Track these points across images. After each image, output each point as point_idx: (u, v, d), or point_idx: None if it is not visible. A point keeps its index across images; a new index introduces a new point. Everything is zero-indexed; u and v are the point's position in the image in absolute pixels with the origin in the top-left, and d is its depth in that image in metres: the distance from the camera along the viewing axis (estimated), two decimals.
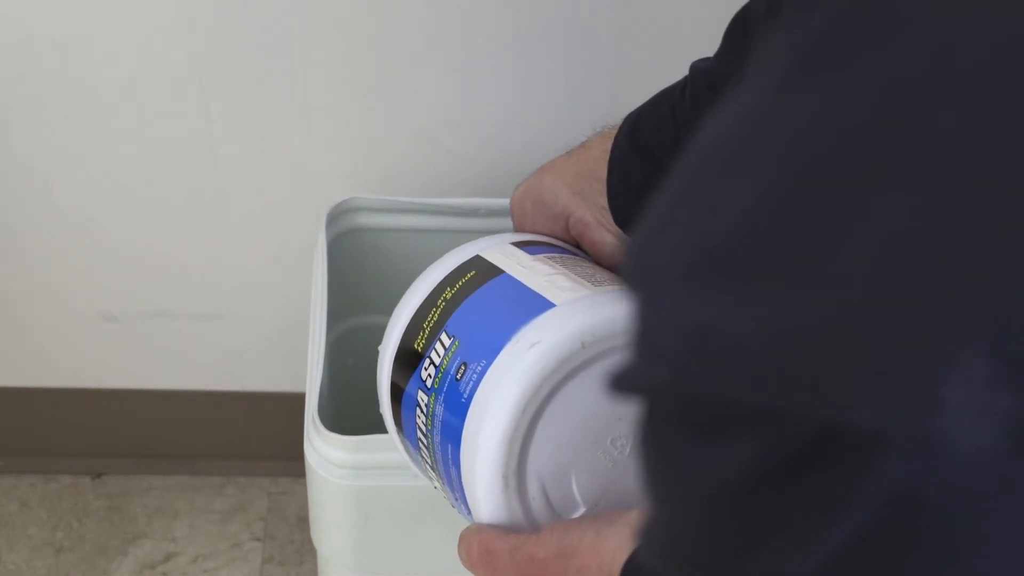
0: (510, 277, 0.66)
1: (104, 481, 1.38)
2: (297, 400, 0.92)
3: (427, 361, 0.64)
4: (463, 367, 0.61)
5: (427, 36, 1.09)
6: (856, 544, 0.30)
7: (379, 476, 0.84)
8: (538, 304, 0.61)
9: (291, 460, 1.08)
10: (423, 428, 0.64)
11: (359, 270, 1.05)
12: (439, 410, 0.62)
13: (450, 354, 0.63)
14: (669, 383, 0.32)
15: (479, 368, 0.60)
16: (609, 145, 0.69)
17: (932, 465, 0.28)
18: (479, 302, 0.65)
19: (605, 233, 0.69)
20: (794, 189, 0.31)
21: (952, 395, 0.28)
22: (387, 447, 0.84)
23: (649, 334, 0.33)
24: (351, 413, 1.10)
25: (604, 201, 0.69)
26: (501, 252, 0.69)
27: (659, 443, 0.35)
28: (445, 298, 0.66)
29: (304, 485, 0.90)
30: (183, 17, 1.07)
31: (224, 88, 1.11)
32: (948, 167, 0.28)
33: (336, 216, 1.03)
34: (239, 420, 1.36)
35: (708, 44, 0.71)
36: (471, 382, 0.60)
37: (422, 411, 0.64)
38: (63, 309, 1.27)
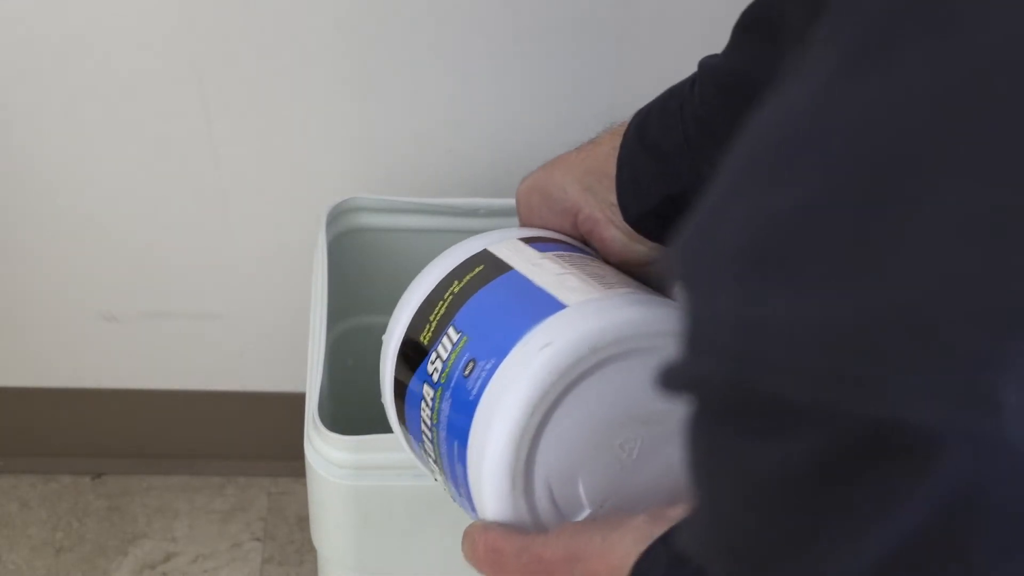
0: (519, 275, 0.65)
1: (104, 481, 1.38)
2: (297, 400, 0.92)
3: (433, 355, 0.64)
4: (471, 364, 0.61)
5: (427, 36, 1.09)
6: (909, 543, 0.30)
7: (379, 476, 0.84)
8: (548, 305, 0.61)
9: (291, 460, 1.08)
10: (428, 422, 0.64)
11: (359, 270, 1.05)
12: (445, 406, 0.62)
13: (458, 349, 0.63)
14: (722, 378, 0.32)
15: (488, 366, 0.60)
16: (619, 142, 0.69)
17: (989, 466, 0.28)
18: (488, 298, 0.65)
19: (614, 230, 0.69)
20: (852, 181, 0.30)
21: (1009, 395, 0.27)
22: (387, 447, 0.84)
23: (701, 329, 0.33)
24: (351, 413, 1.10)
25: (613, 198, 0.69)
26: (509, 248, 0.68)
27: (709, 438, 0.34)
28: (452, 291, 0.66)
29: (304, 485, 0.90)
30: (183, 17, 1.07)
31: (224, 88, 1.11)
32: (1013, 160, 0.28)
33: (336, 216, 1.03)
34: (239, 420, 1.36)
35: (708, 43, 0.71)
36: (479, 380, 0.60)
37: (427, 404, 0.64)
38: (63, 309, 1.27)
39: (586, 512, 0.59)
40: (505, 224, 0.83)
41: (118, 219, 1.20)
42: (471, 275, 0.67)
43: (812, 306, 0.30)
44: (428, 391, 0.64)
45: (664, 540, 0.51)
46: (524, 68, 1.12)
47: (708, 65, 0.69)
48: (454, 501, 0.66)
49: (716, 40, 0.71)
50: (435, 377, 0.63)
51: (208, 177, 1.17)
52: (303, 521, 1.32)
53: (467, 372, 0.61)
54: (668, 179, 0.66)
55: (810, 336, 0.30)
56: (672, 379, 0.34)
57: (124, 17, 1.07)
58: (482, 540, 0.58)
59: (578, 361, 0.57)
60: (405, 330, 0.67)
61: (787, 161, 0.32)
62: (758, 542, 0.34)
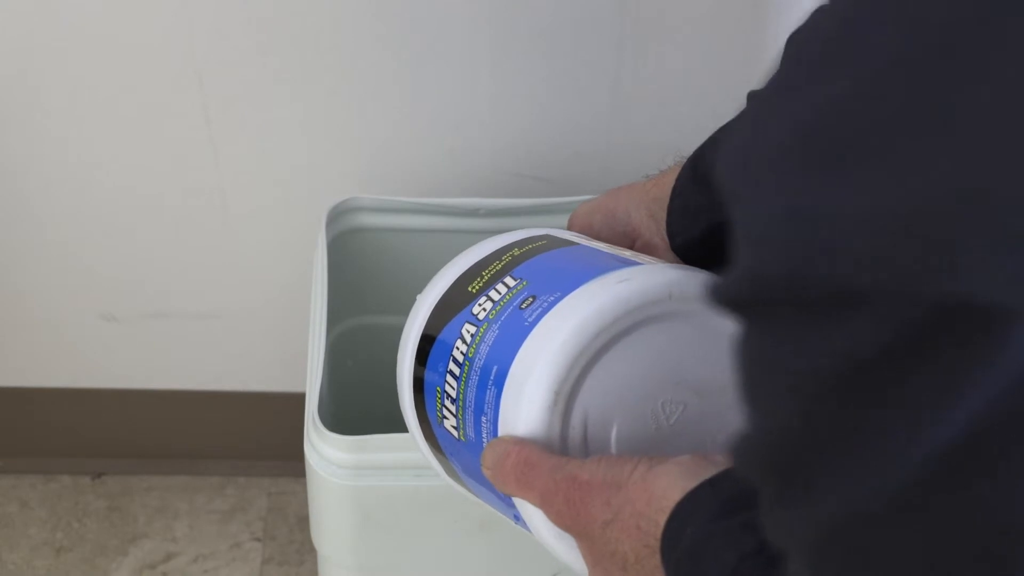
0: (587, 247, 0.66)
1: (104, 481, 1.38)
2: (297, 400, 0.92)
3: (483, 298, 0.63)
4: (531, 299, 0.61)
5: (427, 36, 1.09)
6: (975, 428, 0.29)
7: (379, 476, 0.84)
8: (623, 262, 0.61)
9: (291, 460, 1.08)
10: (460, 358, 0.63)
11: (359, 270, 1.05)
12: (490, 335, 0.61)
13: (514, 291, 0.62)
14: (777, 269, 0.31)
15: (551, 299, 0.60)
16: None
17: None
18: (555, 257, 0.65)
19: (673, 256, 0.70)
20: (905, 63, 0.30)
21: None
22: (387, 447, 0.84)
23: (754, 225, 0.32)
24: (351, 413, 1.10)
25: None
26: (573, 235, 0.69)
27: (766, 339, 0.33)
28: (512, 254, 0.66)
29: (304, 485, 0.90)
30: (183, 17, 1.07)
31: (224, 88, 1.11)
32: None
33: (336, 216, 1.03)
34: (239, 420, 1.36)
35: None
36: (539, 309, 0.60)
37: (464, 341, 0.63)
38: (63, 309, 1.27)
39: None
40: (505, 225, 0.83)
41: (118, 219, 1.20)
42: (533, 245, 0.67)
43: (872, 190, 0.29)
44: (470, 329, 0.63)
45: (712, 483, 0.50)
46: (524, 68, 1.12)
47: (755, 96, 0.69)
48: (452, 455, 0.65)
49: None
50: (482, 316, 0.63)
51: (208, 177, 1.17)
52: (303, 521, 1.32)
53: (524, 305, 0.61)
54: (715, 209, 0.66)
55: (870, 220, 0.29)
56: (726, 287, 0.33)
57: (124, 17, 1.07)
58: (516, 451, 0.57)
59: (652, 303, 0.57)
60: (452, 282, 0.66)
61: (836, 53, 0.32)
62: (816, 442, 0.33)
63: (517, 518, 0.63)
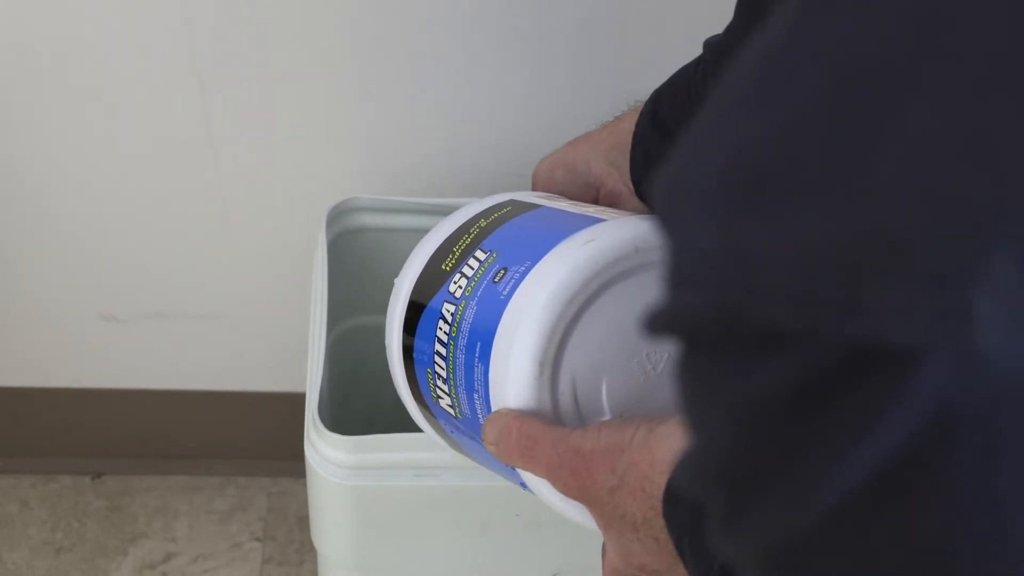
0: (550, 208, 0.66)
1: (104, 481, 1.38)
2: (297, 400, 0.92)
3: (457, 275, 0.64)
4: (502, 271, 0.61)
5: (427, 36, 1.09)
6: (892, 460, 0.30)
7: (379, 476, 0.84)
8: (588, 221, 0.61)
9: (291, 460, 1.08)
10: (444, 338, 0.63)
11: (359, 270, 1.05)
12: (469, 313, 0.62)
13: (486, 265, 0.62)
14: (706, 309, 0.32)
15: (522, 269, 0.60)
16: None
17: (967, 377, 0.28)
18: (520, 224, 0.65)
19: (638, 203, 0.70)
20: (823, 107, 0.30)
21: (983, 307, 0.28)
22: (387, 447, 0.84)
23: (683, 263, 0.33)
24: (351, 413, 1.10)
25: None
26: (536, 197, 0.69)
27: (698, 371, 0.35)
28: (479, 226, 0.66)
29: (304, 485, 0.90)
30: (183, 17, 1.07)
31: (224, 88, 1.11)
32: (978, 75, 0.28)
33: (336, 216, 1.03)
34: (239, 420, 1.36)
35: None
36: (512, 281, 0.60)
37: (445, 321, 0.63)
38: (63, 309, 1.27)
39: (605, 417, 0.59)
40: None
41: (118, 219, 1.20)
42: (498, 214, 0.67)
43: (790, 231, 0.30)
44: (449, 308, 0.63)
45: None
46: (525, 68, 1.12)
47: (711, 44, 0.70)
48: (453, 432, 0.65)
49: None
50: (459, 294, 0.63)
51: (208, 177, 1.17)
52: (303, 521, 1.32)
53: (497, 279, 0.61)
54: None
55: (788, 260, 0.30)
56: (658, 319, 0.34)
57: (124, 17, 1.07)
58: (516, 426, 0.57)
59: (621, 258, 0.58)
60: (426, 261, 0.67)
61: (761, 93, 0.32)
62: (748, 469, 0.34)
63: (524, 485, 0.63)
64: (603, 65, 1.11)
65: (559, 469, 0.56)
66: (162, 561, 1.30)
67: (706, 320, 0.33)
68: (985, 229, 0.28)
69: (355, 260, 1.05)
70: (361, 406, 1.13)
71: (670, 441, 0.52)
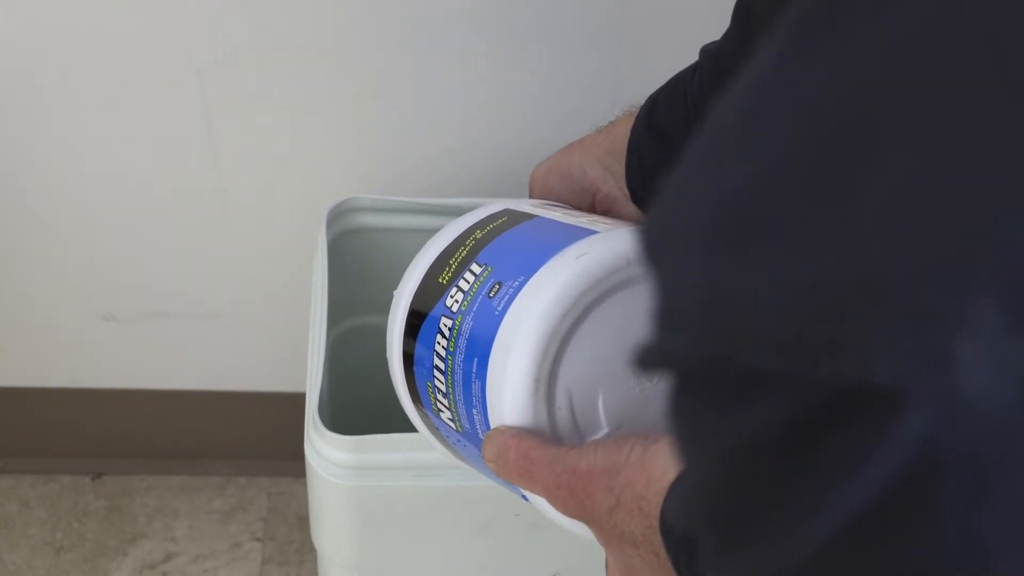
0: (545, 219, 0.66)
1: (104, 481, 1.38)
2: (297, 400, 0.92)
3: (454, 289, 0.64)
4: (497, 286, 0.61)
5: (428, 36, 1.09)
6: (875, 502, 0.30)
7: (379, 476, 0.84)
8: (580, 233, 0.62)
9: (291, 460, 1.08)
10: (442, 353, 0.63)
11: (359, 270, 1.05)
12: (466, 328, 0.62)
13: (481, 279, 0.63)
14: (693, 352, 0.33)
15: (515, 284, 0.60)
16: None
17: (951, 418, 0.29)
18: (514, 236, 0.65)
19: (633, 208, 0.70)
20: (806, 152, 0.31)
21: (964, 349, 0.28)
22: (387, 447, 0.84)
23: (670, 305, 0.34)
24: (351, 413, 1.10)
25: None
26: (531, 206, 0.69)
27: (687, 410, 0.35)
28: (475, 238, 0.66)
29: (304, 485, 0.90)
30: (183, 17, 1.07)
31: (224, 88, 1.11)
32: (955, 120, 0.29)
33: (336, 216, 1.03)
34: (239, 420, 1.36)
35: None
36: (506, 296, 0.60)
37: (443, 336, 0.63)
38: (63, 309, 1.27)
39: (603, 432, 0.59)
40: None
41: (118, 219, 1.20)
42: (494, 224, 0.67)
43: (773, 274, 0.31)
44: (447, 322, 0.63)
45: None
46: (525, 68, 1.12)
47: (707, 51, 0.71)
48: (453, 446, 0.65)
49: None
50: (455, 308, 0.63)
51: (208, 177, 1.17)
52: (303, 521, 1.32)
53: (492, 294, 0.61)
54: (672, 164, 0.67)
55: (773, 303, 0.31)
56: (647, 357, 0.35)
57: (124, 17, 1.07)
58: (514, 445, 0.57)
59: (613, 272, 0.58)
60: (424, 275, 0.67)
61: (744, 138, 0.33)
62: (737, 509, 0.35)
63: (525, 498, 0.63)
64: (603, 65, 1.11)
65: (557, 489, 0.56)
66: (162, 561, 1.30)
67: (693, 361, 0.33)
68: (967, 272, 0.28)
69: (355, 260, 1.05)
70: (361, 406, 1.13)
71: (665, 459, 0.53)
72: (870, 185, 0.29)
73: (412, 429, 0.85)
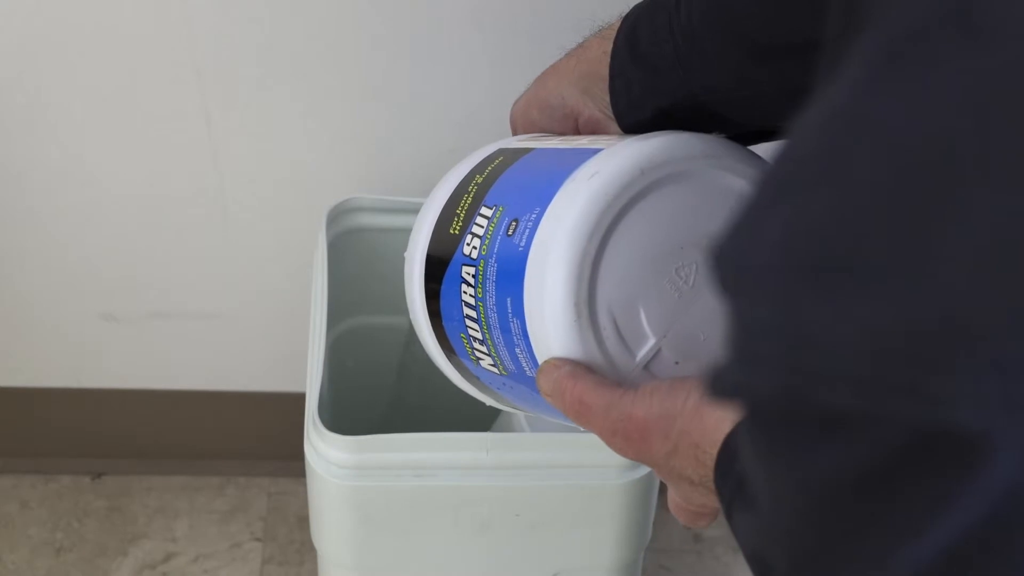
0: (543, 149, 0.66)
1: (104, 481, 1.38)
2: (297, 400, 0.92)
3: (468, 236, 0.63)
4: (514, 223, 0.61)
5: (428, 36, 1.09)
6: (961, 543, 0.30)
7: (379, 476, 0.84)
8: (585, 154, 0.61)
9: (291, 460, 1.08)
10: (471, 301, 0.63)
11: (359, 270, 1.05)
12: (491, 271, 0.61)
13: (495, 221, 0.62)
14: (771, 387, 0.33)
15: (533, 217, 0.60)
16: (608, 47, 0.70)
17: None
18: (517, 173, 0.64)
19: (617, 128, 0.70)
20: (888, 189, 0.30)
21: None
22: (387, 447, 0.84)
23: (747, 338, 0.33)
24: (351, 413, 1.10)
25: (609, 98, 0.69)
26: (523, 141, 0.69)
27: (762, 442, 0.35)
28: (476, 183, 0.66)
29: (304, 485, 0.90)
30: (183, 17, 1.07)
31: (224, 88, 1.11)
32: None
33: (336, 216, 1.03)
34: (239, 420, 1.36)
35: None
36: (527, 231, 0.60)
37: (468, 284, 0.63)
38: (63, 309, 1.27)
39: (651, 342, 0.59)
40: None
41: (118, 219, 1.20)
42: (492, 166, 0.66)
43: (855, 314, 0.30)
44: (468, 271, 0.63)
45: None
46: (525, 68, 1.11)
47: None
48: (500, 389, 0.65)
49: None
50: (475, 255, 0.62)
51: (208, 177, 1.17)
52: (303, 521, 1.32)
53: (511, 232, 0.61)
54: (660, 93, 0.67)
55: (857, 345, 0.30)
56: (722, 386, 0.34)
57: (124, 17, 1.07)
58: (569, 389, 0.57)
59: (628, 184, 0.58)
60: (432, 229, 0.66)
61: (827, 171, 0.32)
62: (812, 544, 0.35)
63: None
64: None
65: (613, 436, 0.57)
66: (162, 561, 1.30)
67: (769, 395, 0.33)
68: None
69: (355, 260, 1.05)
70: (361, 406, 1.13)
71: (721, 410, 0.53)
72: (959, 223, 0.29)
73: (412, 429, 0.85)
